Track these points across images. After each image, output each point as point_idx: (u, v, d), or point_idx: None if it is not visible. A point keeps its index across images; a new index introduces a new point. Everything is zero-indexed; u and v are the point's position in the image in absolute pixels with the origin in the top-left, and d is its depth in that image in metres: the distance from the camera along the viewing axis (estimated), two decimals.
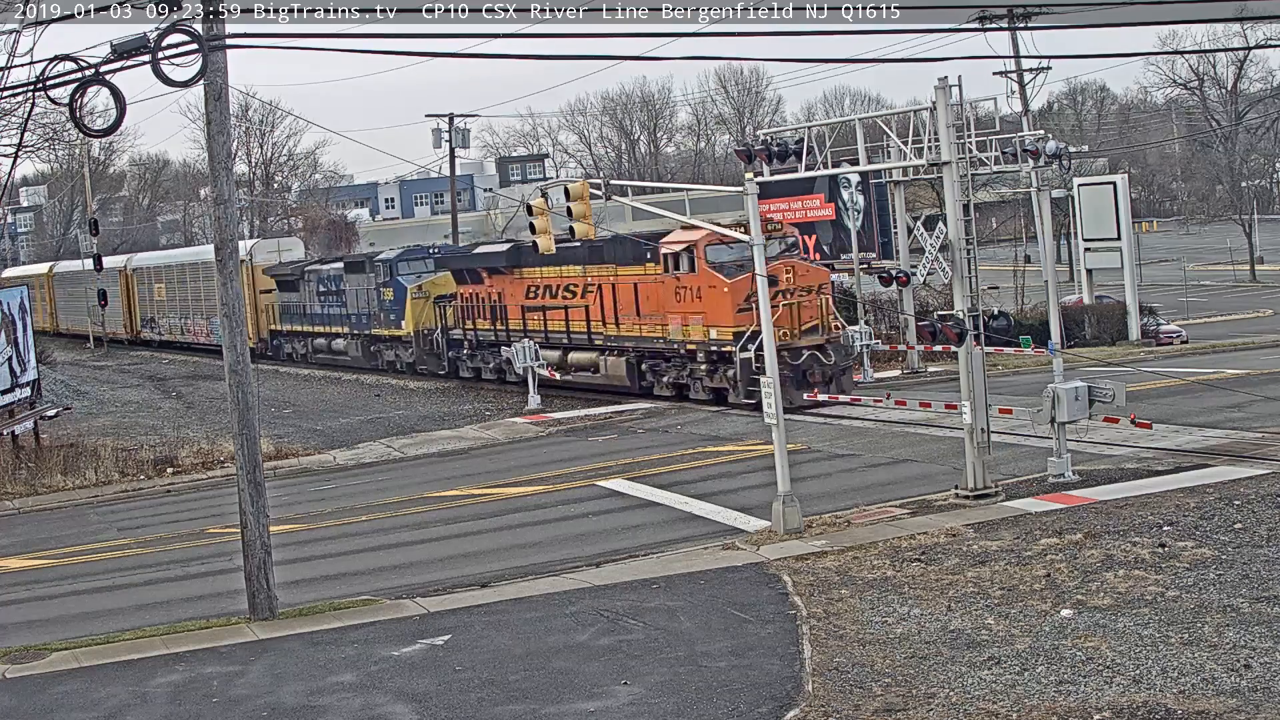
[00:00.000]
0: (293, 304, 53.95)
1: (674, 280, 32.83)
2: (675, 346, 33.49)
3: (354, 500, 26.36)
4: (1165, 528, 18.25)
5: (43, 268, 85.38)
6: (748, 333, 30.22)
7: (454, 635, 16.29)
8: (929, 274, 25.81)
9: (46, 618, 19.34)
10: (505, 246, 40.46)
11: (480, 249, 43.39)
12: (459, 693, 14.19)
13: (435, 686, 14.46)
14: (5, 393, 33.51)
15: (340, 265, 50.46)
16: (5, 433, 33.17)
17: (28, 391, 35.33)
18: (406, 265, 46.13)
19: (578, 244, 34.11)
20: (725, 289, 31.33)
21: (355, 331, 48.88)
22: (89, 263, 74.64)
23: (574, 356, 37.35)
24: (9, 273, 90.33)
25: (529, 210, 23.70)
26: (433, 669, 15.11)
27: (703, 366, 32.90)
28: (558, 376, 38.05)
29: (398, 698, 14.21)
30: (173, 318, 66.27)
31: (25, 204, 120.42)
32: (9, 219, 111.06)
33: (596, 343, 36.31)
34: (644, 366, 35.09)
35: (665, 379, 34.31)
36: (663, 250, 33.26)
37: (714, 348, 32.27)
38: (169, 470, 31.14)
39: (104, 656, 16.63)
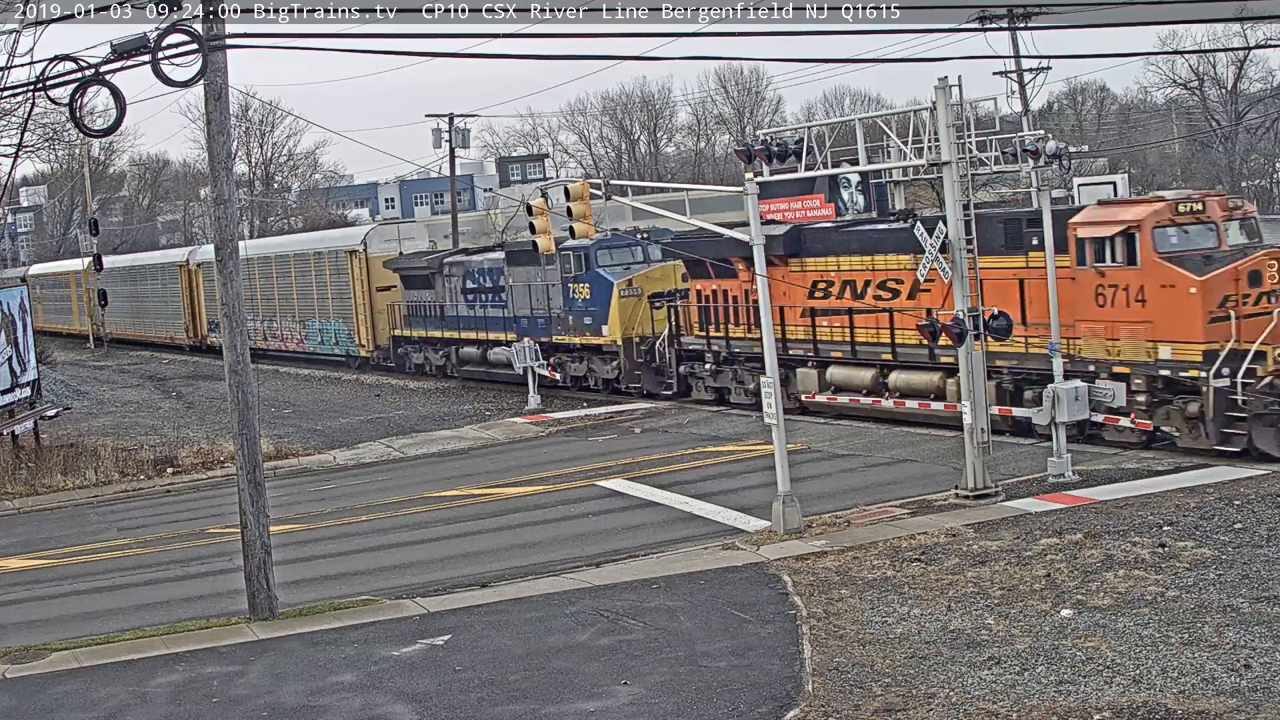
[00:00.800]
0: (426, 304, 44.16)
1: (1094, 275, 23.92)
2: (1093, 368, 24.25)
3: (354, 500, 26.37)
4: (1165, 528, 18.25)
5: (77, 264, 75.67)
6: (1224, 351, 22.19)
7: (454, 635, 16.29)
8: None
9: (46, 618, 19.36)
10: (782, 229, 30.98)
11: (735, 232, 34.96)
12: (459, 693, 14.20)
13: (435, 686, 14.47)
14: (5, 393, 33.54)
15: (500, 255, 40.36)
16: (5, 433, 33.18)
17: (28, 391, 35.36)
18: (609, 254, 36.22)
19: (902, 225, 26.56)
20: (1192, 289, 22.77)
21: (525, 339, 38.67)
22: (140, 256, 72.58)
23: (900, 378, 27.93)
24: (37, 269, 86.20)
25: (529, 210, 23.73)
26: (433, 669, 15.11)
27: (1141, 397, 23.50)
28: (557, 377, 37.62)
29: (398, 698, 14.21)
30: (252, 321, 54.89)
31: (25, 204, 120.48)
32: (9, 219, 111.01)
33: (942, 360, 26.40)
34: (1027, 394, 25.32)
35: None
36: (1078, 233, 24.26)
37: (1164, 371, 23.16)
38: (169, 470, 31.16)
39: (104, 656, 16.65)
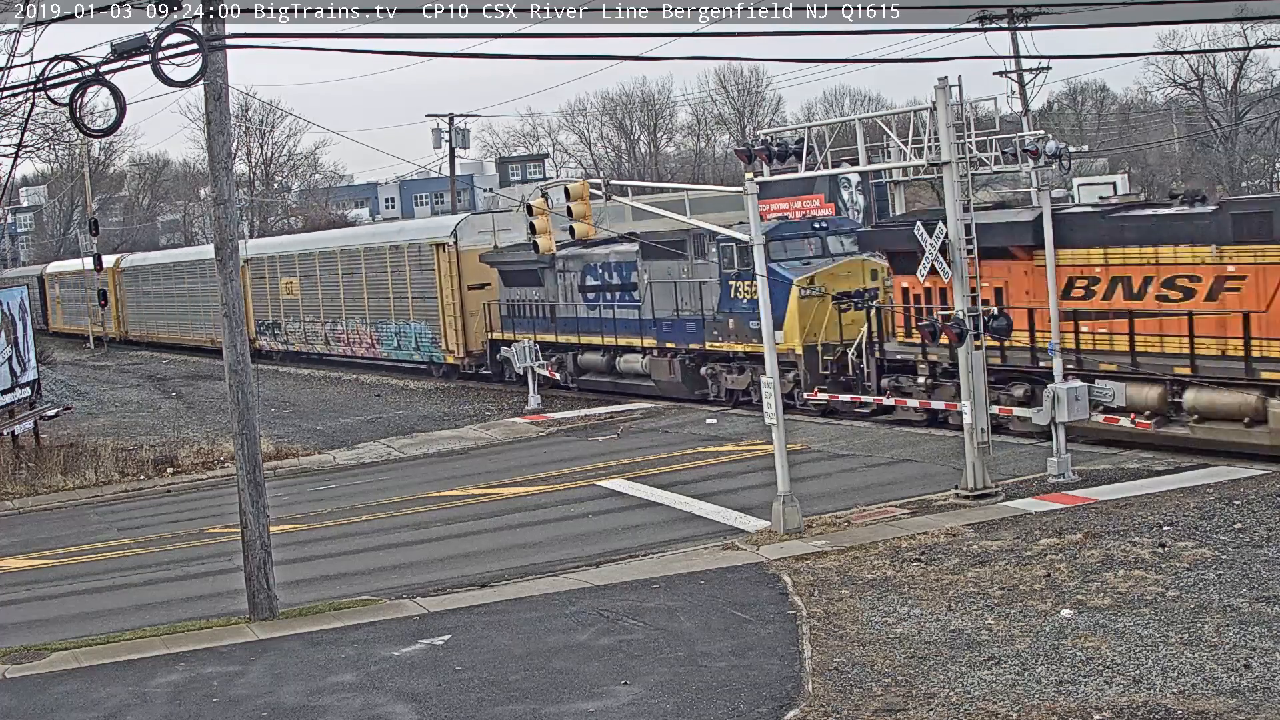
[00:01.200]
0: (531, 303, 38.89)
1: None
2: None
3: (354, 500, 26.37)
4: (1165, 528, 18.25)
5: (104, 261, 69.10)
6: None
7: (454, 635, 16.29)
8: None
9: (46, 618, 19.36)
10: (1028, 215, 25.09)
11: (997, 216, 26.40)
12: (459, 693, 14.20)
13: (435, 686, 14.47)
14: (5, 393, 33.54)
15: (632, 247, 34.48)
16: (5, 433, 33.19)
17: (28, 391, 35.36)
18: (782, 246, 30.13)
19: (1207, 210, 22.67)
20: None
21: (667, 345, 34.07)
22: (175, 252, 71.01)
23: (1200, 398, 22.42)
24: (55, 267, 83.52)
25: (529, 210, 23.74)
26: (433, 669, 15.11)
27: None
28: (557, 376, 37.49)
29: (398, 698, 14.21)
30: (312, 323, 51.80)
31: (25, 204, 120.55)
32: (9, 219, 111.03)
33: (1263, 376, 21.56)
34: None
35: None
36: None
37: None
38: (169, 470, 31.16)
39: (104, 656, 16.64)
